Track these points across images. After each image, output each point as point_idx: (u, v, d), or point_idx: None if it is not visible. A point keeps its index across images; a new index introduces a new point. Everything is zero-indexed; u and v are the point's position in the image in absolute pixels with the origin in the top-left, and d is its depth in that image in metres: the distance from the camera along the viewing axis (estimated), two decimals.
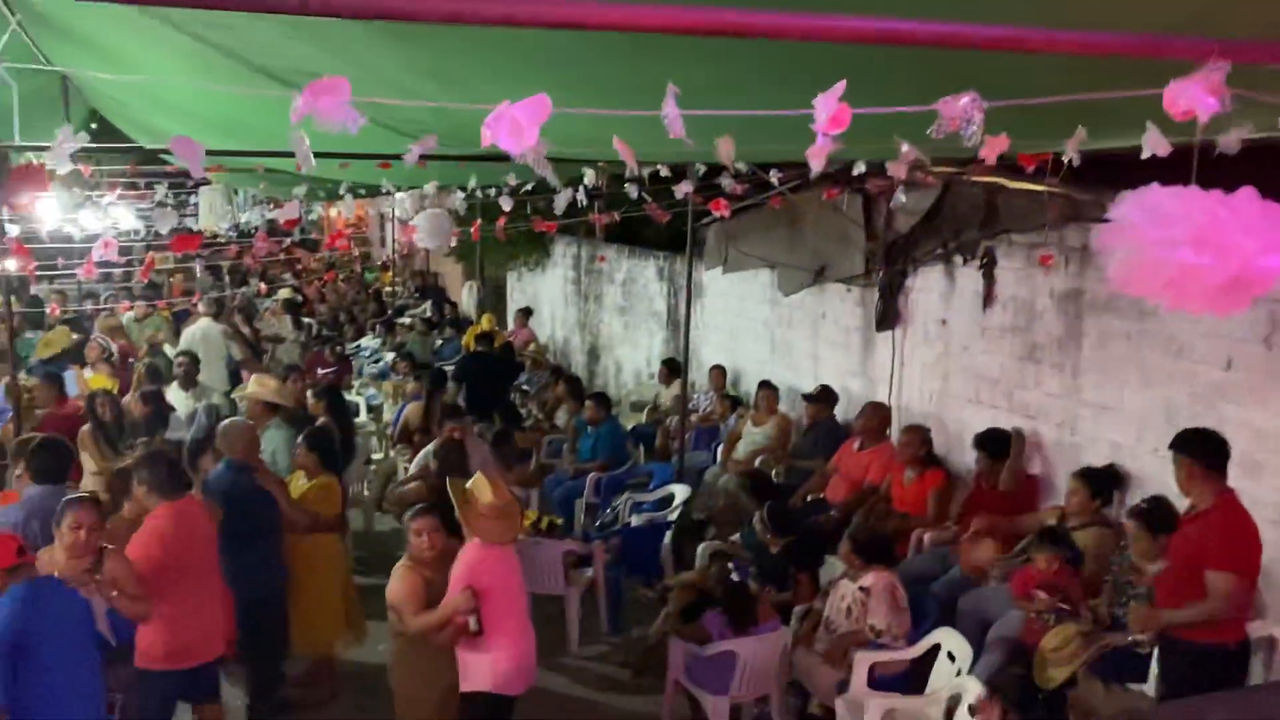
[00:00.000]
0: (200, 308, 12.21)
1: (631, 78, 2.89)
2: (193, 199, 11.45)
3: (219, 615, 5.02)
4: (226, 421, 7.59)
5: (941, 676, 5.38)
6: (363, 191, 9.72)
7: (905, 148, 3.12)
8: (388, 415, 10.54)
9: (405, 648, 4.84)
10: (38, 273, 8.18)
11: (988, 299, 7.13)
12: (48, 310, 10.83)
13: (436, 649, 4.68)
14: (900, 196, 6.40)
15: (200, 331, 11.49)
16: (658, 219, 7.53)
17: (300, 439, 6.32)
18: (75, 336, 10.27)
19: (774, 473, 8.10)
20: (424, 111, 5.36)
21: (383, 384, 11.85)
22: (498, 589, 4.64)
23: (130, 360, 10.37)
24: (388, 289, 21.71)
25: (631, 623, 7.33)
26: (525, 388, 11.71)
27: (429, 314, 15.90)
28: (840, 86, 1.90)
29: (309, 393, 7.94)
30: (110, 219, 8.90)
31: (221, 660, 5.18)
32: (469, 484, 4.83)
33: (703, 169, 7.10)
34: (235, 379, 10.81)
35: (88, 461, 7.39)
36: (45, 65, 7.78)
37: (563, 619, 7.04)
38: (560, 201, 6.59)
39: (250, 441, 6.26)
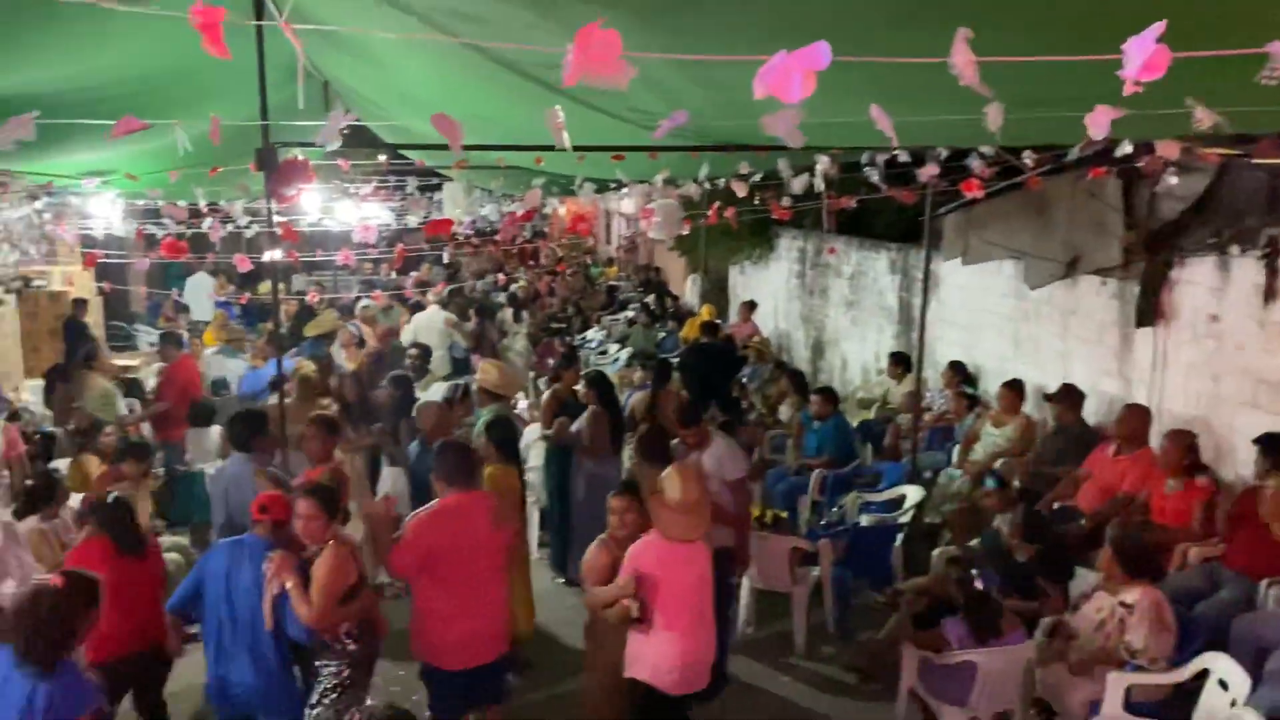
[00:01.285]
0: (429, 297, 12.88)
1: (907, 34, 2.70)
2: (435, 195, 12.01)
3: (501, 615, 4.94)
4: (421, 401, 7.94)
5: (1212, 706, 4.87)
6: (592, 187, 9.89)
7: (1201, 113, 2.78)
8: None
9: (595, 618, 4.91)
10: (301, 260, 8.76)
11: (1269, 293, 6.41)
12: (306, 297, 11.68)
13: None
14: (1170, 179, 5.83)
15: (426, 320, 12.12)
16: (904, 200, 7.21)
17: (481, 428, 6.41)
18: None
19: (1015, 477, 7.61)
20: (663, 101, 5.36)
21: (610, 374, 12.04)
22: (669, 583, 4.55)
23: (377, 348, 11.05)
24: (612, 283, 22.16)
25: (858, 625, 7.10)
26: (747, 381, 11.59)
27: (652, 307, 16.08)
28: (1159, 27, 1.67)
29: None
30: (363, 212, 9.46)
31: (508, 660, 5.10)
32: (663, 475, 4.75)
33: (944, 153, 6.74)
34: (459, 368, 11.32)
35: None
36: (312, 69, 8.38)
37: (787, 618, 6.89)
38: (796, 185, 6.41)
39: (440, 421, 6.50)
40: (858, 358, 12.32)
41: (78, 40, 4.88)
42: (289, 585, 4.41)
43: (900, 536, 7.44)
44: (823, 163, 6.92)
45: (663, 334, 14.59)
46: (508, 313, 14.70)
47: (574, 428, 7.62)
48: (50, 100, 3.82)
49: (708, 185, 7.50)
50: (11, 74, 4.92)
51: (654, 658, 4.59)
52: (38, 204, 10.65)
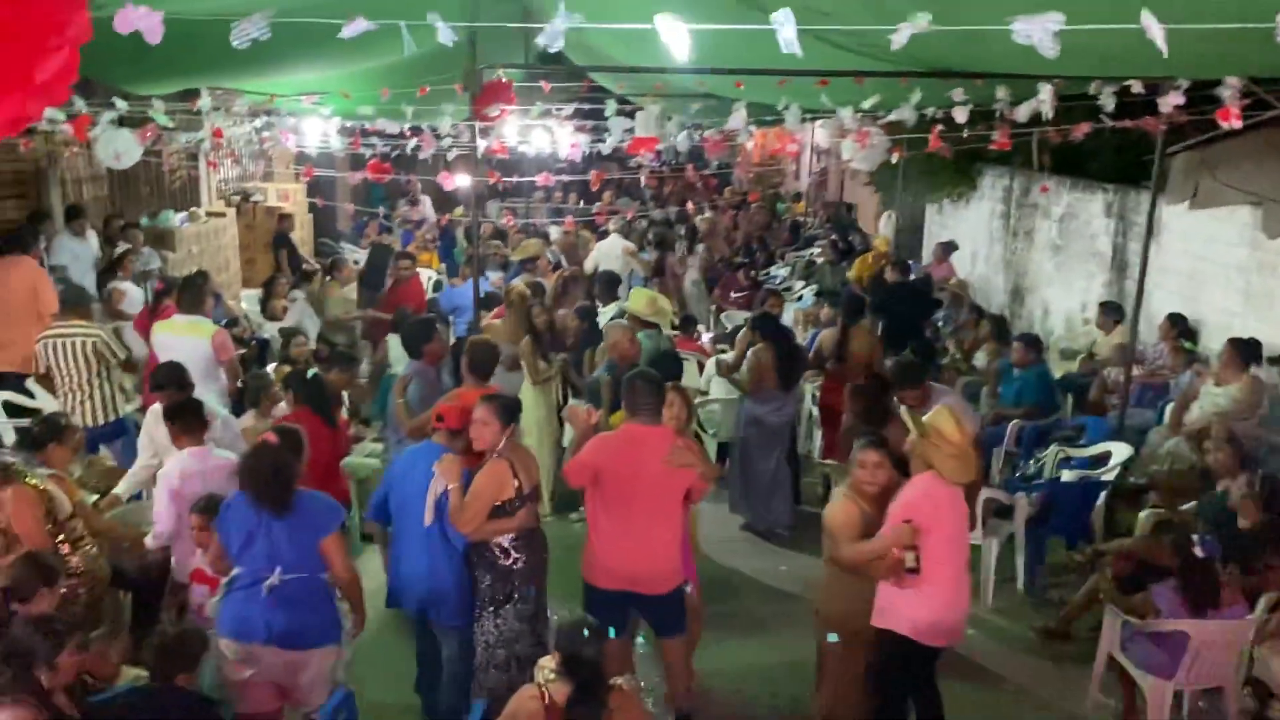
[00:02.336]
0: (611, 225, 12.94)
1: None
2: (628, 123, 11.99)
3: (665, 553, 4.85)
4: (609, 323, 7.94)
5: None
6: (768, 118, 9.55)
7: None
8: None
9: (834, 573, 4.70)
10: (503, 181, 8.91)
11: None
12: (502, 221, 11.94)
13: (863, 579, 4.50)
14: None
15: (607, 247, 12.21)
16: (1150, 130, 6.62)
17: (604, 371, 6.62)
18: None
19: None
20: (877, 17, 5.07)
21: (793, 311, 11.83)
22: (940, 529, 4.35)
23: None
24: (799, 218, 21.70)
25: (1050, 583, 6.78)
26: (941, 325, 11.14)
27: (840, 243, 15.64)
28: None
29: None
30: (558, 136, 9.50)
31: (673, 599, 4.99)
32: (930, 416, 4.53)
33: (1185, 84, 6.14)
34: None
35: (526, 370, 7.97)
36: None
37: (975, 570, 6.63)
38: (1023, 111, 5.98)
39: (623, 345, 6.62)
40: (1061, 305, 11.63)
41: None
42: (450, 488, 4.51)
43: (1103, 495, 7.01)
44: (1045, 91, 6.43)
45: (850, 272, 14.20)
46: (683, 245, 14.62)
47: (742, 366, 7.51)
48: (282, 11, 3.92)
49: (918, 115, 7.12)
50: None
51: (917, 610, 4.37)
52: (256, 122, 11.23)
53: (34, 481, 4.70)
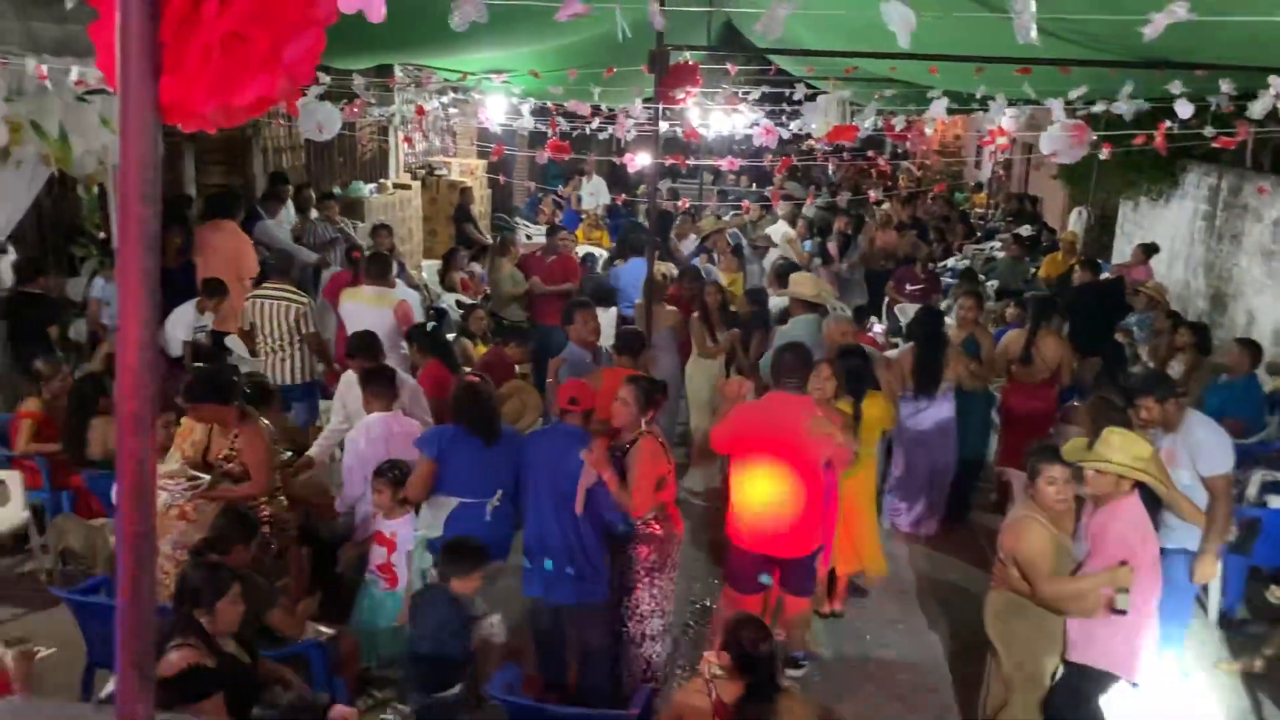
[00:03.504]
0: (779, 211, 12.73)
1: None
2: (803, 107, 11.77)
3: (795, 520, 4.94)
4: (831, 317, 7.78)
5: None
6: (955, 106, 9.17)
7: None
8: None
9: (1015, 602, 4.34)
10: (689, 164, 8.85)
11: None
12: (679, 204, 11.92)
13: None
14: None
15: (772, 233, 12.05)
16: None
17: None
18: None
19: None
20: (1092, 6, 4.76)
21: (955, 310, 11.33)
22: (1145, 560, 4.08)
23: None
24: (978, 210, 20.87)
25: (1248, 617, 6.30)
26: (1135, 331, 10.47)
27: (1024, 237, 14.93)
28: None
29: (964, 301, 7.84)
30: (737, 121, 9.40)
31: (805, 564, 5.16)
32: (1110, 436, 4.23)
33: None
34: None
35: (694, 344, 8.01)
36: None
37: None
38: (1257, 108, 5.50)
39: (839, 339, 6.52)
40: (1270, 316, 10.76)
41: None
42: (606, 477, 4.51)
43: None
44: (1276, 85, 5.91)
45: (1034, 269, 13.53)
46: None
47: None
48: None
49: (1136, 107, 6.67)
50: None
51: (1118, 643, 4.13)
52: (444, 99, 11.55)
53: (264, 421, 4.97)
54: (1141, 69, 6.11)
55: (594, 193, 15.59)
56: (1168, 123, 6.23)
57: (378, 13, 2.57)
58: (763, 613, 5.08)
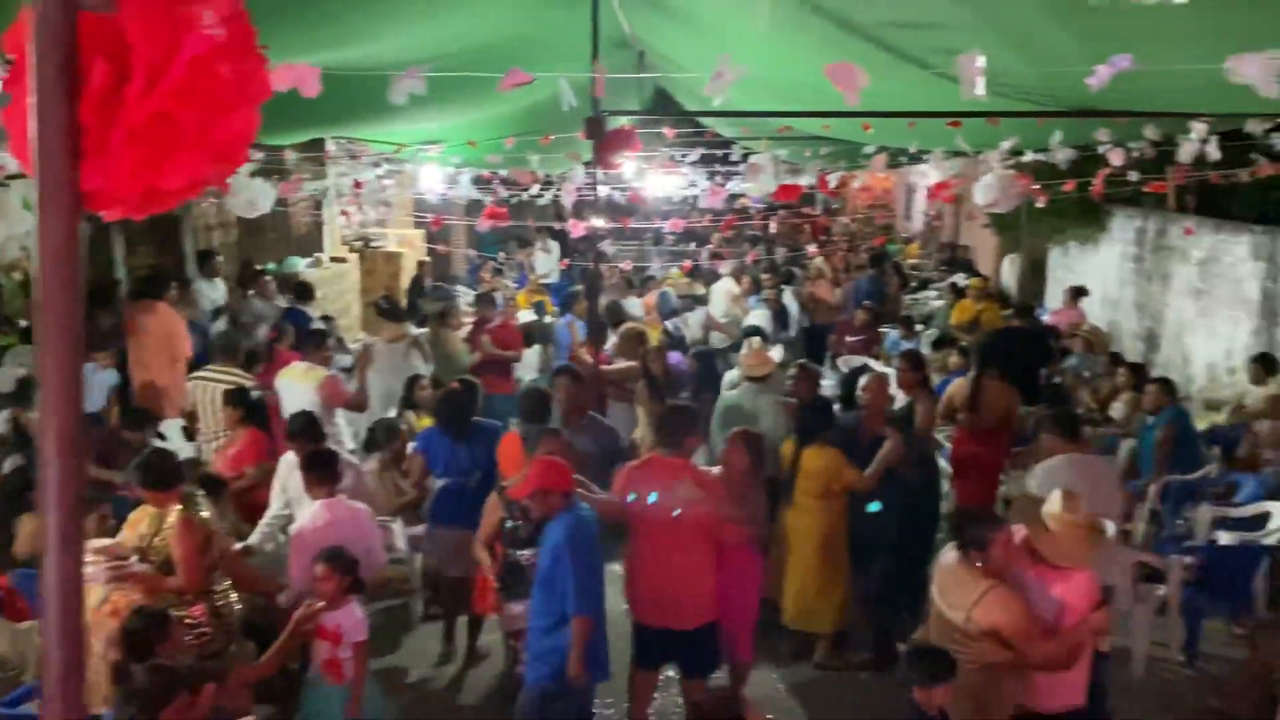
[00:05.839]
0: (721, 269, 12.84)
1: None
2: (739, 167, 11.94)
3: (691, 586, 4.87)
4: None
5: None
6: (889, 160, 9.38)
7: None
8: None
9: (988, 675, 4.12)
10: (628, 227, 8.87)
11: None
12: (621, 266, 11.93)
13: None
14: None
15: (720, 289, 12.11)
16: None
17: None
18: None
19: None
20: (1024, 58, 4.86)
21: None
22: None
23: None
24: (911, 262, 21.24)
25: (1206, 656, 6.30)
26: (1074, 373, 10.63)
27: (960, 285, 15.18)
28: None
29: (899, 362, 7.80)
30: (674, 182, 9.46)
31: (703, 635, 4.99)
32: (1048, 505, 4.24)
33: None
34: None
35: (640, 412, 7.94)
36: (629, 36, 8.43)
37: (1121, 636, 6.20)
38: (1184, 153, 5.66)
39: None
40: (1203, 354, 11.01)
41: (426, 12, 5.09)
42: None
43: (1266, 560, 6.51)
44: (1198, 130, 6.09)
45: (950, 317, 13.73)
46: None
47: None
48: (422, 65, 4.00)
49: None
50: (366, 44, 5.17)
51: (1082, 676, 4.16)
52: (379, 170, 11.48)
53: (203, 514, 4.74)
54: (1069, 118, 6.25)
55: (548, 259, 15.68)
56: (1107, 168, 6.37)
57: (312, 88, 2.51)
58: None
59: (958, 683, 4.17)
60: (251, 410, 6.66)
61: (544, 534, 4.66)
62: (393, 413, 8.10)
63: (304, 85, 2.49)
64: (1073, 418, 5.82)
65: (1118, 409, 9.32)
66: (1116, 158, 6.03)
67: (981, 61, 2.16)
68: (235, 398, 6.62)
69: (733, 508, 4.96)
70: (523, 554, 4.94)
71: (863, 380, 6.62)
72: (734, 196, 11.85)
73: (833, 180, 9.39)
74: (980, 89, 2.23)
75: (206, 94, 1.33)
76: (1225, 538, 6.72)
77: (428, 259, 14.07)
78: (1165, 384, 8.23)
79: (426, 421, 7.98)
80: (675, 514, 4.83)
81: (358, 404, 7.54)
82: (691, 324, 11.28)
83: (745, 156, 7.66)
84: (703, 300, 12.13)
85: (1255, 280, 9.97)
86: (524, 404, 6.23)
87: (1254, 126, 6.43)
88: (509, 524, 5.00)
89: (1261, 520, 6.94)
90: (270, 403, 7.24)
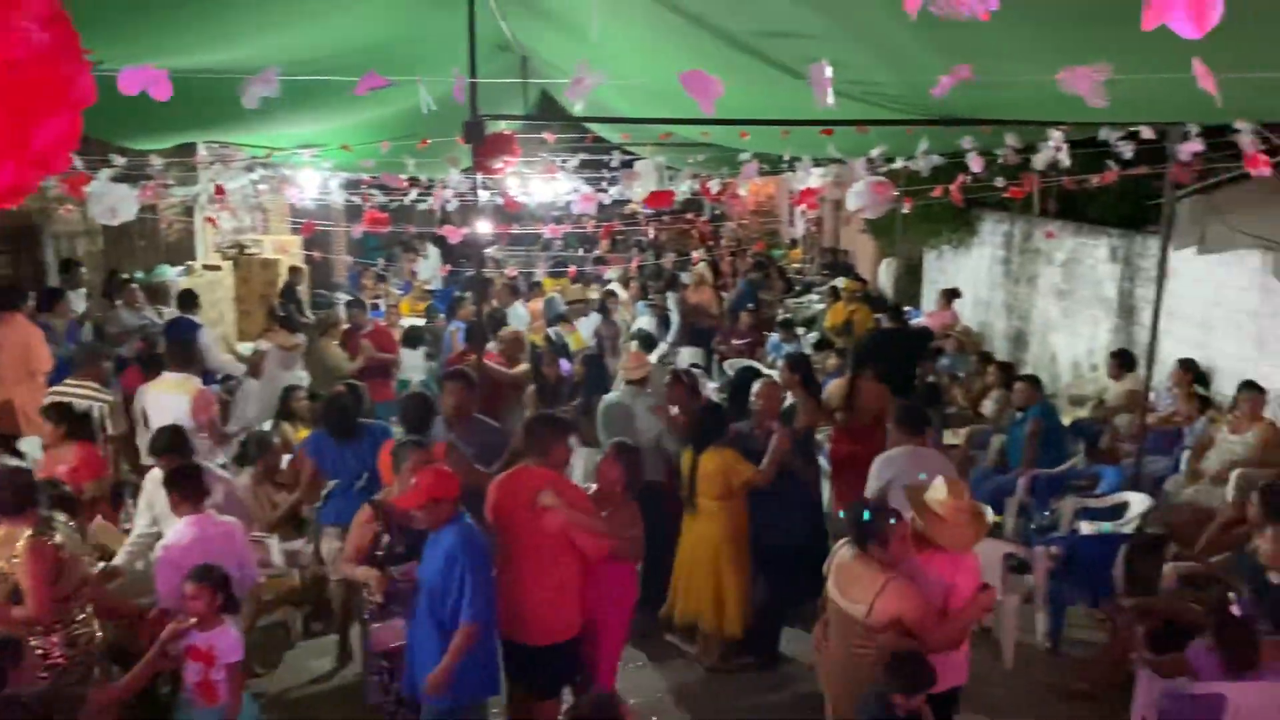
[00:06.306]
0: (610, 274, 12.89)
1: None
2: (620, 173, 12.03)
3: (545, 601, 4.75)
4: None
5: None
6: (766, 167, 9.58)
7: None
8: None
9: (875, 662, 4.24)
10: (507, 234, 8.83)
11: None
12: (507, 272, 11.85)
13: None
14: None
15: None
16: (1173, 177, 6.57)
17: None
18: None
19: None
20: (894, 71, 5.01)
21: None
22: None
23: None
24: (794, 265, 21.66)
25: (1069, 641, 6.59)
26: (948, 373, 11.01)
27: (839, 288, 15.56)
28: None
29: (782, 364, 7.91)
30: (559, 188, 9.46)
31: (557, 652, 4.86)
32: (930, 492, 4.39)
33: (1196, 129, 6.09)
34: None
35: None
36: (512, 41, 8.39)
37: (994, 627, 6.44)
38: (1039, 160, 5.91)
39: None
40: (1067, 352, 11.53)
41: (297, 12, 4.97)
42: None
43: (1123, 548, 6.83)
44: (1055, 138, 6.38)
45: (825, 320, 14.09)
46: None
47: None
48: (285, 69, 3.89)
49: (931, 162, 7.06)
50: (239, 46, 5.03)
51: (962, 664, 4.45)
52: (253, 175, 11.16)
53: (58, 539, 4.48)
54: (934, 126, 6.47)
55: (428, 265, 15.41)
56: (966, 176, 6.61)
57: (163, 91, 2.42)
58: None
59: (859, 676, 4.29)
60: (76, 425, 6.34)
61: (430, 546, 4.56)
62: (267, 424, 7.88)
63: (155, 89, 2.40)
64: (918, 414, 5.98)
65: (988, 406, 9.69)
66: (977, 165, 6.28)
67: (829, 71, 2.22)
68: (55, 413, 6.26)
69: (598, 521, 4.85)
70: (398, 569, 4.79)
71: (756, 386, 6.71)
72: (621, 202, 11.88)
73: (715, 186, 9.50)
74: (830, 99, 2.29)
75: (23, 100, 1.28)
76: (1087, 527, 7.03)
77: (301, 266, 13.70)
78: (1032, 381, 8.60)
79: (304, 432, 7.80)
80: (532, 527, 4.71)
81: (220, 436, 7.25)
82: (584, 329, 11.29)
83: (627, 163, 7.67)
84: (605, 307, 12.14)
85: (1113, 281, 10.48)
86: (405, 410, 6.13)
87: (1107, 134, 6.78)
88: (385, 539, 4.82)
89: (1120, 509, 7.29)
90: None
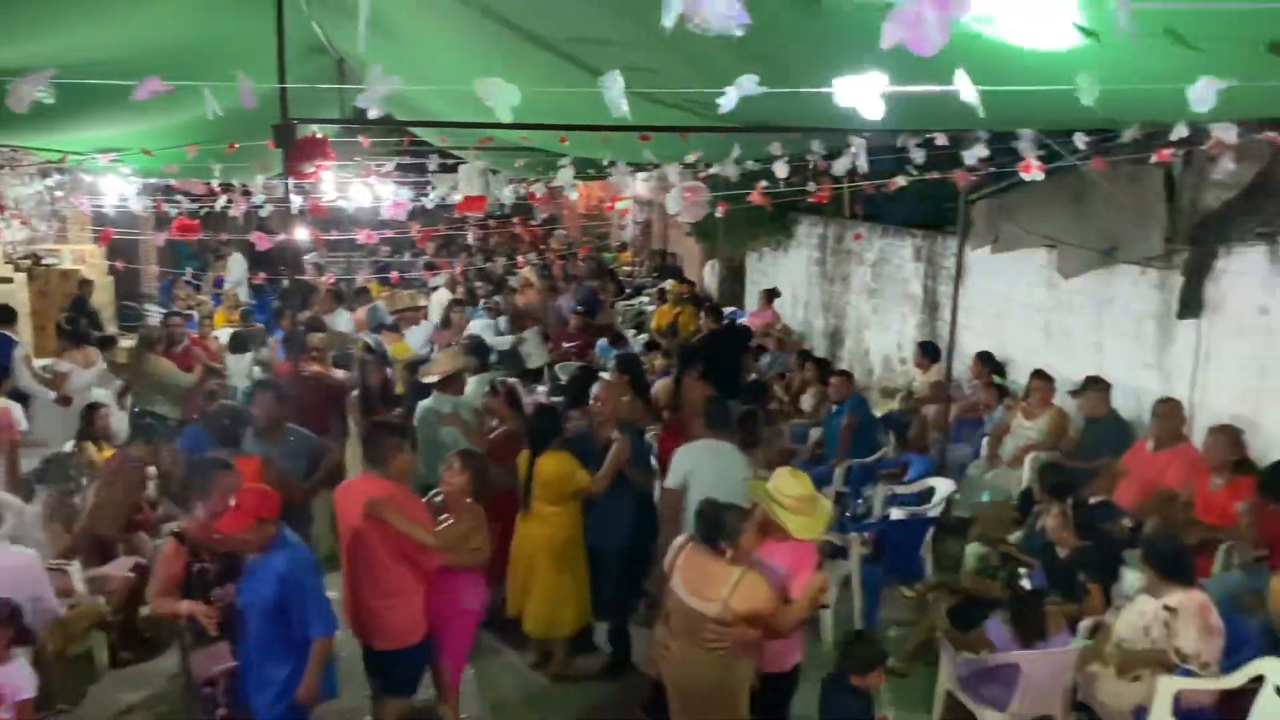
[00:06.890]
0: (436, 280, 12.79)
1: None
2: (452, 176, 11.89)
3: (369, 604, 4.84)
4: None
5: (1269, 713, 4.68)
6: (592, 172, 9.71)
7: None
8: None
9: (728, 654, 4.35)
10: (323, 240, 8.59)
11: None
12: (325, 278, 11.52)
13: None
14: (1228, 164, 5.60)
15: (438, 300, 12.08)
16: (958, 181, 6.99)
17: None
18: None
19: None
20: (705, 78, 5.15)
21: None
22: None
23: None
24: (625, 268, 21.93)
25: (886, 622, 6.92)
26: (769, 370, 11.38)
27: (666, 290, 15.86)
28: None
29: (612, 365, 7.99)
30: (379, 192, 9.27)
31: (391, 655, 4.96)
32: (772, 481, 4.54)
33: (985, 135, 6.53)
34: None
35: (351, 425, 7.77)
36: (326, 43, 8.18)
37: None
38: (839, 165, 6.20)
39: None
40: (880, 347, 12.12)
41: (87, 9, 4.72)
42: None
43: (930, 531, 7.25)
44: (856, 144, 6.70)
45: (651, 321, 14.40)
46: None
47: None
48: (68, 70, 3.66)
49: (743, 167, 7.30)
50: (25, 43, 4.74)
51: (799, 644, 4.68)
52: (49, 181, 10.49)
53: None
54: (745, 133, 6.70)
55: (236, 273, 14.75)
56: (764, 182, 6.86)
57: None
58: None
59: (712, 673, 4.36)
60: None
61: (257, 566, 4.41)
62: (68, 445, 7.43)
63: None
64: (718, 410, 6.15)
65: (807, 401, 10.08)
66: (782, 170, 6.54)
67: (620, 82, 2.29)
68: None
69: (430, 532, 4.86)
70: (217, 592, 4.61)
71: (595, 388, 6.75)
72: (447, 206, 11.73)
73: (540, 190, 9.52)
74: (624, 108, 2.36)
75: None
76: (897, 513, 7.42)
77: (90, 279, 12.92)
78: (846, 376, 9.03)
79: (108, 452, 7.39)
80: (369, 536, 4.74)
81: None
82: (415, 337, 11.10)
83: (446, 167, 7.60)
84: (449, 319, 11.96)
85: (917, 279, 11.08)
86: (213, 423, 5.90)
87: (904, 140, 7.16)
88: (196, 567, 4.61)
89: (928, 495, 7.72)
90: None
